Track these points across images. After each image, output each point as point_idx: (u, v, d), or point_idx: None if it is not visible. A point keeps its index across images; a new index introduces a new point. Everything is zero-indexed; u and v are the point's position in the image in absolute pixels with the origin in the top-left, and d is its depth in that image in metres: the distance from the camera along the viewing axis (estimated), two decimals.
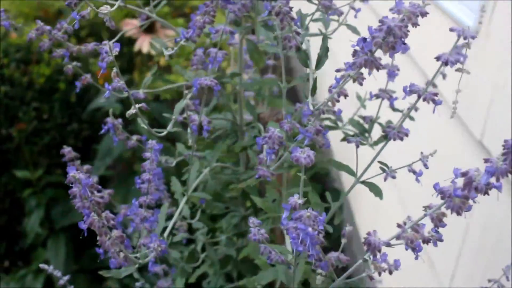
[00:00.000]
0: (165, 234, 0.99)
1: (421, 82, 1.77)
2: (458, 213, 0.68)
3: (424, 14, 0.75)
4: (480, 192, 0.65)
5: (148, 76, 1.08)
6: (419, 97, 0.81)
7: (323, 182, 2.69)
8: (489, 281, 0.98)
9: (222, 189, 1.19)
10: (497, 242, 1.33)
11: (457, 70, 0.82)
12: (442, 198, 0.68)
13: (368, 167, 0.87)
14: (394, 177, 0.87)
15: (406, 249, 0.73)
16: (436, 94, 0.81)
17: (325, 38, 0.86)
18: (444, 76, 1.02)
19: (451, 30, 0.78)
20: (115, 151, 2.14)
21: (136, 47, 2.26)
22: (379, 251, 0.76)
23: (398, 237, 0.74)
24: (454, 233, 1.51)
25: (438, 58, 0.79)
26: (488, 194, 0.66)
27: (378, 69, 0.73)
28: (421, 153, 0.89)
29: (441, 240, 0.75)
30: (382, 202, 2.10)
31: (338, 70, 0.78)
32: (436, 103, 0.81)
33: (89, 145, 2.39)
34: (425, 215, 0.71)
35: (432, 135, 1.77)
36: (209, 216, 1.25)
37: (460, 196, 0.67)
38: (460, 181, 0.67)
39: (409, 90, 0.82)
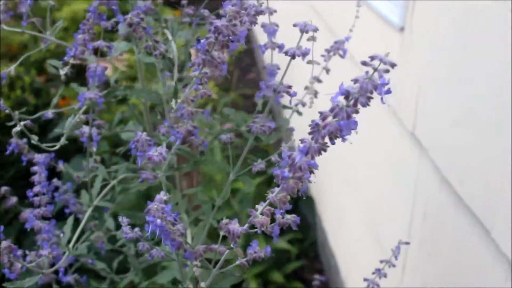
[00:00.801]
0: (71, 245, 1.04)
1: (358, 72, 1.83)
2: (293, 193, 0.74)
3: (259, 12, 0.81)
4: (303, 170, 0.70)
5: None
6: (274, 90, 0.86)
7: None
8: (381, 262, 1.03)
9: (141, 199, 1.24)
10: (436, 230, 1.36)
11: (308, 62, 0.88)
12: (278, 183, 0.74)
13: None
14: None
15: (261, 233, 0.78)
16: (289, 87, 0.86)
17: (187, 44, 0.92)
18: (327, 71, 1.08)
19: (294, 25, 0.84)
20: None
21: None
22: (238, 237, 0.81)
23: (250, 223, 0.79)
24: (401, 223, 1.55)
25: (286, 53, 0.84)
26: (313, 173, 0.71)
27: (216, 67, 0.79)
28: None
29: (297, 223, 0.80)
30: (345, 206, 2.16)
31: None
32: (290, 95, 0.86)
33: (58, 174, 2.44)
34: (267, 199, 0.76)
35: (371, 129, 1.82)
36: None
37: (288, 177, 0.72)
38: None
39: (266, 86, 0.87)
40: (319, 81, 1.06)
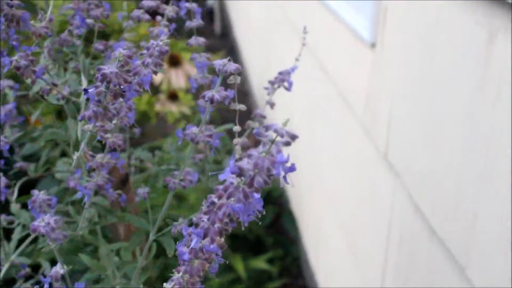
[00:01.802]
0: None
1: (335, 92, 1.68)
2: (199, 277, 0.58)
3: (164, 52, 0.65)
4: (206, 254, 0.55)
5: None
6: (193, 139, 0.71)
7: (278, 204, 2.58)
8: None
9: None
10: (411, 257, 1.25)
11: (231, 106, 0.72)
12: (180, 263, 0.58)
13: None
14: None
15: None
16: (210, 136, 0.71)
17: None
18: (272, 105, 0.92)
19: (212, 65, 0.68)
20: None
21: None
22: None
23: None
24: (378, 245, 1.43)
25: (203, 97, 0.69)
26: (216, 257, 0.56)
27: (111, 120, 0.63)
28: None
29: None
30: (324, 224, 2.01)
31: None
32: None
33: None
34: (173, 280, 0.61)
35: (346, 148, 1.70)
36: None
37: (188, 260, 0.56)
38: None
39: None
40: (263, 117, 0.90)
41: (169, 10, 0.86)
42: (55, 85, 0.73)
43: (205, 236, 0.52)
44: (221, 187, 0.49)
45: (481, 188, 0.89)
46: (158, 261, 1.12)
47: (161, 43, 0.65)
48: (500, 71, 0.82)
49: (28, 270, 1.05)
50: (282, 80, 0.92)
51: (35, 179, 1.09)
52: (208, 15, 4.80)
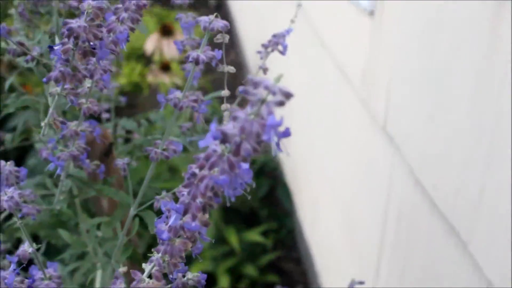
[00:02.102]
0: None
1: (332, 64, 1.60)
2: (181, 258, 0.50)
3: (141, 6, 0.57)
4: (187, 232, 0.47)
5: None
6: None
7: (273, 177, 2.51)
8: None
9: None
10: (410, 233, 1.20)
11: (217, 67, 0.64)
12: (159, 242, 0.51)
13: None
14: None
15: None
16: (195, 101, 0.63)
17: None
18: (265, 70, 0.84)
19: (197, 21, 0.60)
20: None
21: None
22: None
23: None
24: (375, 221, 1.38)
25: (187, 58, 0.61)
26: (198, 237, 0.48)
27: (81, 82, 0.55)
28: None
29: (203, 283, 0.57)
30: (320, 197, 1.94)
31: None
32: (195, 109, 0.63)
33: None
34: (152, 261, 0.53)
35: (342, 119, 1.63)
36: None
37: (167, 239, 0.49)
38: None
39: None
40: (265, 70, 0.81)
41: None
42: (21, 44, 0.64)
43: (185, 213, 0.44)
44: (202, 155, 0.41)
45: (490, 162, 0.81)
46: (144, 237, 1.04)
47: None
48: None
49: (7, 245, 0.98)
50: (276, 43, 0.83)
51: (20, 150, 1.01)
52: None
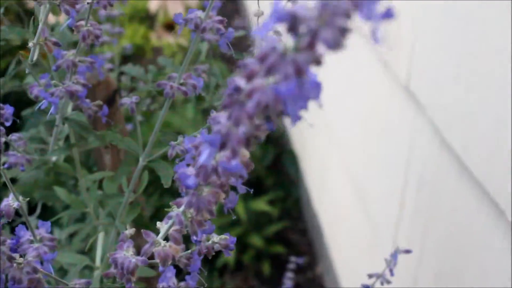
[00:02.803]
0: None
1: None
2: (210, 212, 0.36)
3: None
4: (222, 176, 0.33)
5: None
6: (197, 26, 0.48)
7: (279, 145, 2.37)
8: (370, 276, 0.67)
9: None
10: (433, 198, 1.08)
11: None
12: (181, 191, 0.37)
13: None
14: None
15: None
16: (221, 21, 0.48)
17: None
18: None
19: None
20: None
21: None
22: (131, 273, 0.44)
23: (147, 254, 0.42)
24: (392, 188, 1.25)
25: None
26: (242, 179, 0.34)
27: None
28: None
29: (231, 248, 0.43)
30: (329, 165, 1.81)
31: None
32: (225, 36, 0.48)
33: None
34: (171, 217, 0.39)
35: (355, 74, 1.49)
36: None
37: (193, 186, 0.35)
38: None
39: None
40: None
41: None
42: None
43: (223, 146, 0.30)
44: (251, 60, 0.27)
45: None
46: (152, 198, 0.90)
47: None
48: None
49: None
50: None
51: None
52: None
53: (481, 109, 0.85)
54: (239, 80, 0.29)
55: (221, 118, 0.31)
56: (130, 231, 0.52)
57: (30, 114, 0.80)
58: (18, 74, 0.81)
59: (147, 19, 2.18)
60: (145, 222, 0.80)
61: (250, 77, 0.28)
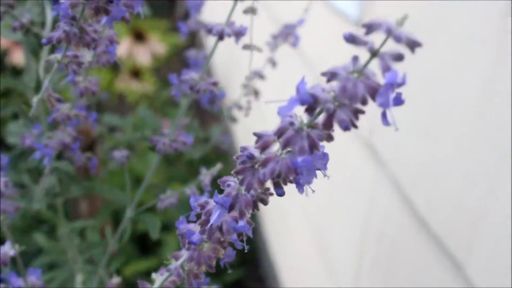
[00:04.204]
0: None
1: (310, 73, 1.51)
2: (209, 266, 0.39)
3: None
4: (226, 234, 0.35)
5: None
6: (192, 88, 0.51)
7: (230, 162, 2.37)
8: None
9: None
10: (391, 252, 1.11)
11: (244, 47, 0.53)
12: (183, 246, 0.38)
13: None
14: None
15: None
16: (214, 84, 0.51)
17: None
18: (273, 64, 0.73)
19: None
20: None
21: None
22: None
23: None
24: (352, 240, 1.28)
25: (210, 31, 0.49)
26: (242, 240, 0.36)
27: (88, 46, 0.42)
28: None
29: None
30: (289, 213, 1.84)
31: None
32: (215, 96, 0.51)
33: None
34: (169, 270, 0.41)
35: None
36: None
37: (198, 242, 0.37)
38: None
39: (179, 81, 0.52)
40: (261, 77, 0.70)
41: None
42: (11, 6, 0.51)
43: (231, 208, 0.32)
44: (268, 132, 0.30)
45: (493, 182, 0.73)
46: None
47: None
48: None
49: None
50: (287, 34, 0.72)
51: None
52: None
53: (446, 165, 0.89)
54: (251, 149, 0.31)
55: (231, 182, 0.34)
56: (115, 280, 0.53)
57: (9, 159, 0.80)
58: None
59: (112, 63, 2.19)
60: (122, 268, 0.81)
61: (263, 148, 0.30)
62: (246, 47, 0.51)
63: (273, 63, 0.71)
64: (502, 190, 0.73)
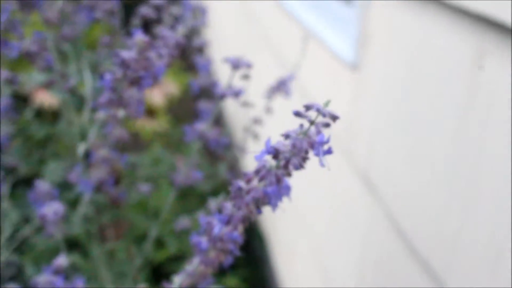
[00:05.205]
0: None
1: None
2: (214, 268, 0.56)
3: (180, 44, 0.63)
4: (226, 242, 0.53)
5: None
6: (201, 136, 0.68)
7: (249, 227, 2.53)
8: None
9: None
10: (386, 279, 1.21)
11: (243, 105, 0.71)
12: (196, 253, 0.56)
13: None
14: None
15: None
16: (219, 133, 0.69)
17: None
18: (269, 111, 0.90)
19: (225, 60, 0.66)
20: None
21: None
22: None
23: None
24: (351, 268, 1.39)
25: (214, 91, 0.67)
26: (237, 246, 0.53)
27: (125, 108, 0.60)
28: None
29: None
30: (296, 244, 1.97)
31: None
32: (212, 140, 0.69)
33: None
34: (185, 272, 0.58)
35: (328, 174, 1.66)
36: None
37: (206, 250, 0.54)
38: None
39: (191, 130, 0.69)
40: (259, 122, 0.88)
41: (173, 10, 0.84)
42: (63, 76, 0.70)
43: (228, 223, 0.49)
44: (250, 172, 0.47)
45: (466, 204, 0.87)
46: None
47: (178, 34, 0.63)
48: (488, 95, 0.81)
49: (13, 269, 1.01)
50: (284, 83, 0.90)
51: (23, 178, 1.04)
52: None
53: (429, 195, 1.02)
54: (240, 183, 0.49)
55: (227, 205, 0.51)
56: (142, 286, 0.70)
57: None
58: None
59: None
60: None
61: (248, 181, 0.48)
62: (244, 104, 0.69)
63: (269, 110, 0.89)
64: (471, 214, 0.87)
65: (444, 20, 0.92)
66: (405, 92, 1.11)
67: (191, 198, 1.30)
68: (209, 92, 0.82)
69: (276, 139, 0.45)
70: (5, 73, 0.77)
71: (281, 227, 2.22)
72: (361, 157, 1.35)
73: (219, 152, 0.78)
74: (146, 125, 2.21)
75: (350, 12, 1.45)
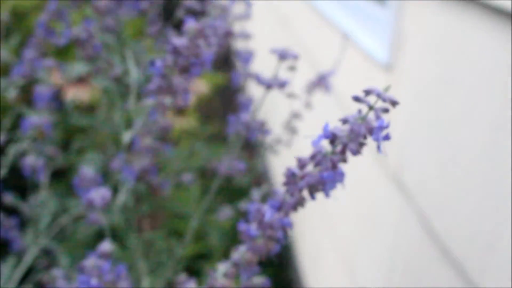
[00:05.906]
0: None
1: (339, 112, 1.67)
2: (261, 255, 0.56)
3: (229, 34, 0.64)
4: (275, 229, 0.53)
5: None
6: (247, 127, 0.69)
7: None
8: None
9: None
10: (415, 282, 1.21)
11: (287, 95, 0.71)
12: (244, 241, 0.56)
13: None
14: None
15: None
16: (263, 124, 0.69)
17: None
18: (308, 106, 0.91)
19: (272, 51, 0.67)
20: None
21: None
22: None
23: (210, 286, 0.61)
24: (380, 271, 1.39)
25: (260, 82, 0.68)
26: (287, 233, 0.54)
27: (174, 96, 0.61)
28: None
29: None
30: (323, 247, 1.98)
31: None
32: (264, 133, 0.69)
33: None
34: (231, 259, 0.59)
35: (358, 176, 1.66)
36: None
37: (255, 236, 0.54)
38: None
39: (236, 122, 0.70)
40: (298, 116, 0.88)
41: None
42: (109, 62, 0.71)
43: (279, 209, 0.50)
44: (304, 157, 0.48)
45: (500, 210, 0.87)
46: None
47: (227, 24, 0.64)
48: None
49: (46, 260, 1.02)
50: (323, 78, 0.91)
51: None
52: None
53: (464, 198, 1.02)
54: (294, 169, 0.49)
55: (279, 192, 0.51)
56: (183, 276, 0.71)
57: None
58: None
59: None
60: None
61: (302, 167, 0.48)
62: (289, 95, 0.70)
63: (308, 105, 0.89)
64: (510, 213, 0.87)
65: (481, 22, 0.92)
66: (439, 94, 1.11)
67: (226, 192, 1.31)
68: (241, 89, 0.83)
69: (314, 135, 0.46)
70: (50, 61, 0.79)
71: (307, 228, 2.23)
72: (392, 158, 1.35)
73: (257, 145, 0.79)
74: (176, 123, 2.23)
75: (384, 13, 1.45)
